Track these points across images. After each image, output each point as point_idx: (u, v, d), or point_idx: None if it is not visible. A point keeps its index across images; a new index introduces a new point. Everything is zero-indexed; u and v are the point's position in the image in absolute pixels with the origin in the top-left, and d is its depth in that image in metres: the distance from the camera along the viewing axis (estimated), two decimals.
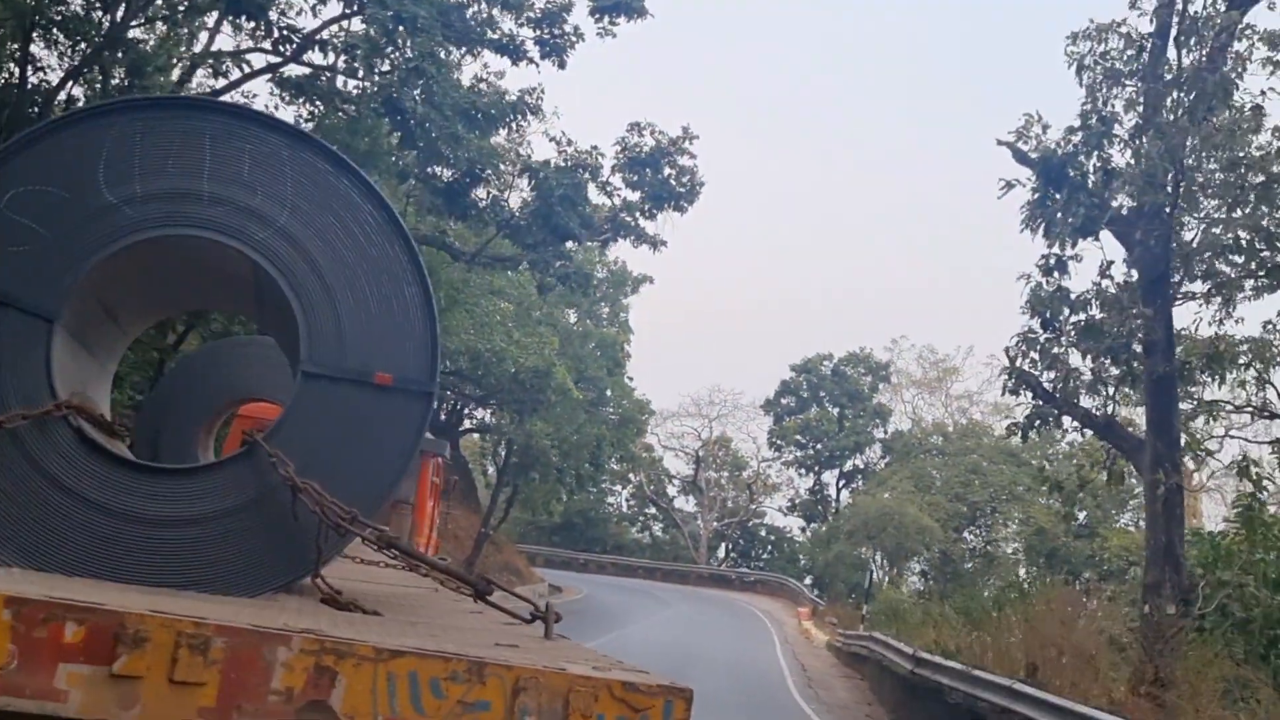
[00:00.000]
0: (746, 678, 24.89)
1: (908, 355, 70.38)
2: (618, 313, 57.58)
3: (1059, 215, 18.68)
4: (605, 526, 78.55)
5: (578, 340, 48.42)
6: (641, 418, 51.65)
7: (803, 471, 68.18)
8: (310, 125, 19.91)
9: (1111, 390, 19.13)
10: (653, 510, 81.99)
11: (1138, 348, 18.41)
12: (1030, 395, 19.82)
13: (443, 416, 49.15)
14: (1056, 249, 19.61)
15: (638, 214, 23.61)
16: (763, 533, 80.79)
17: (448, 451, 19.75)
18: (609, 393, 48.32)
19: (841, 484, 67.74)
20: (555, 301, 45.91)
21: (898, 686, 20.24)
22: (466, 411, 52.14)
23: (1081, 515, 60.27)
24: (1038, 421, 19.55)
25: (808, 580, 69.67)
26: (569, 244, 23.57)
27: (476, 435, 56.76)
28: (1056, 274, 19.83)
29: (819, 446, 66.20)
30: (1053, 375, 19.33)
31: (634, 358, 55.26)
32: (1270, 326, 18.96)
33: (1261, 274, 17.75)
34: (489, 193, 21.12)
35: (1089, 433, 20.84)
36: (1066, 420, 19.98)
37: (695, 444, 77.34)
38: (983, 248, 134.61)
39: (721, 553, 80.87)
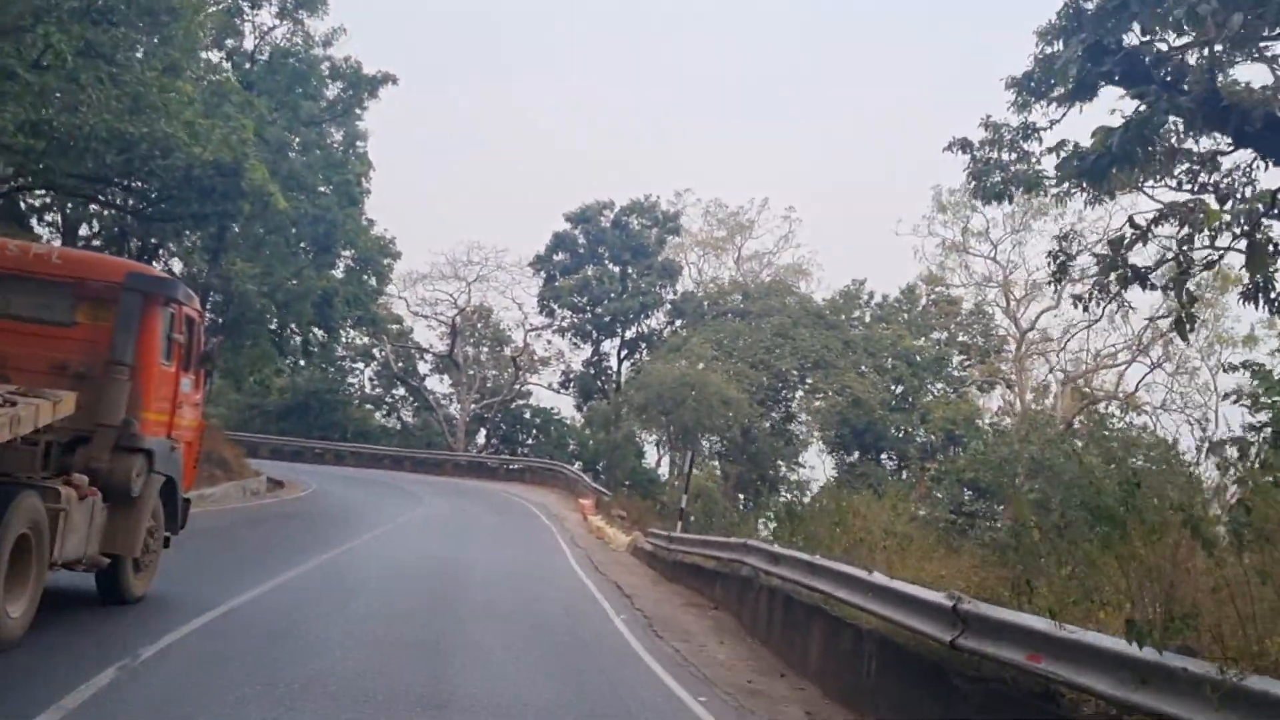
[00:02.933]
0: (555, 628, 14.83)
1: (693, 211, 61.19)
2: (353, 140, 45.45)
3: None
4: (345, 410, 66.99)
5: (298, 164, 36.39)
6: (384, 262, 40.17)
7: (578, 341, 58.24)
8: None
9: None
10: (402, 391, 70.76)
11: None
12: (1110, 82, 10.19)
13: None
14: None
15: None
16: (528, 415, 71.09)
17: (182, 294, 12.53)
18: (341, 227, 36.71)
19: (624, 355, 58.25)
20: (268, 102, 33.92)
21: (887, 661, 10.50)
22: (159, 258, 39.54)
23: (898, 388, 53.16)
24: (1143, 136, 9.94)
25: (577, 466, 60.73)
26: None
27: None
28: None
29: (598, 310, 56.28)
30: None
31: (375, 200, 43.67)
32: None
33: None
34: None
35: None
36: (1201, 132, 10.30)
37: (451, 312, 66.20)
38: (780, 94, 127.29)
39: (482, 438, 70.74)
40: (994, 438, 41.74)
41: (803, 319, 51.45)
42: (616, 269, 55.48)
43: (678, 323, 56.96)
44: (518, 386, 69.29)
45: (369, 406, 70.77)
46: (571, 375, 60.35)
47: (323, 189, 38.06)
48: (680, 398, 44.32)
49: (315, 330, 43.53)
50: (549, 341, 65.94)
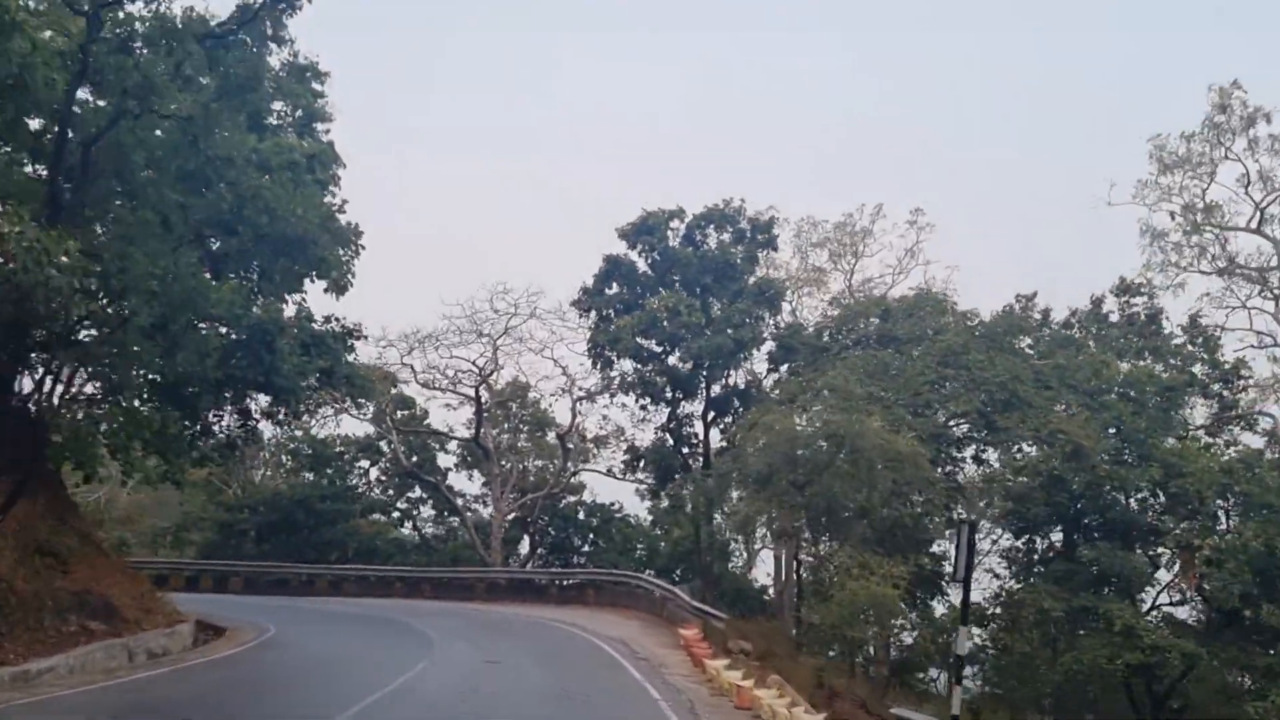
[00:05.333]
0: None
1: (780, 236, 45.42)
2: (310, 121, 30.64)
3: None
4: (345, 523, 51.23)
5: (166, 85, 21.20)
6: (341, 258, 24.36)
7: (647, 403, 42.21)
8: None
9: None
10: (418, 493, 55.02)
11: None
12: None
13: None
14: None
15: None
16: (581, 514, 55.16)
17: None
18: (285, 206, 21.52)
19: (711, 418, 41.95)
20: None
21: None
22: None
23: (1110, 431, 36.70)
24: None
25: (649, 573, 44.96)
26: None
27: None
28: None
29: (673, 357, 40.37)
30: None
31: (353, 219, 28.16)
32: None
33: None
34: None
35: None
36: None
37: (474, 382, 50.55)
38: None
39: (525, 548, 54.71)
40: None
41: (971, 343, 35.60)
42: (695, 300, 39.81)
43: (783, 368, 41.02)
44: (567, 478, 53.46)
45: (377, 517, 55.02)
46: (641, 452, 44.15)
47: (263, 179, 22.91)
48: (823, 460, 28.47)
49: (251, 394, 28.29)
50: (604, 415, 50.16)
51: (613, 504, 55.02)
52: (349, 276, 23.79)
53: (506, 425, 56.38)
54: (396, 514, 55.39)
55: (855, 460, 27.81)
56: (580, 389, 48.12)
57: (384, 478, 55.28)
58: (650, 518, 57.73)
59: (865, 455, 27.88)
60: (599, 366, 41.84)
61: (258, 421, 29.12)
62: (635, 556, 54.41)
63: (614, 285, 41.94)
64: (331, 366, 29.62)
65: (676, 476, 42.72)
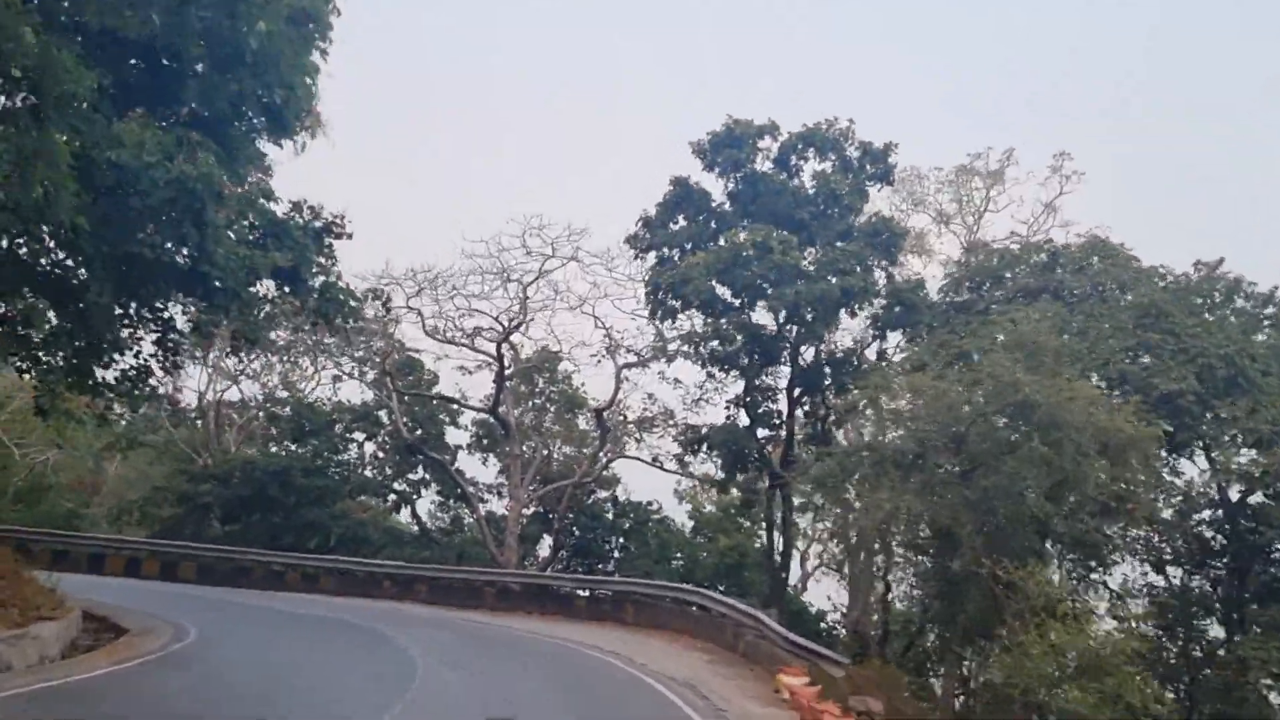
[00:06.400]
0: None
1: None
2: None
3: None
4: (332, 504, 42.30)
5: None
6: (284, 47, 14.97)
7: (715, 370, 32.77)
8: None
9: None
10: (420, 474, 45.95)
11: None
12: None
13: None
14: None
15: None
16: (611, 514, 46.26)
17: None
18: None
19: (799, 396, 32.35)
20: None
21: None
22: None
23: None
24: None
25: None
26: None
27: None
28: None
29: (756, 310, 31.03)
30: None
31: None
32: None
33: None
34: None
35: None
36: None
37: (495, 336, 41.21)
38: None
39: (546, 548, 45.65)
40: None
41: (1165, 305, 26.42)
42: (789, 234, 30.50)
43: (894, 334, 31.85)
44: (601, 466, 44.40)
45: (369, 499, 46.07)
46: (703, 433, 34.75)
47: None
48: (1002, 439, 19.27)
49: (175, 295, 19.43)
50: (649, 395, 41.20)
51: (649, 503, 46.37)
52: (311, 97, 14.54)
53: (531, 403, 47.45)
54: (394, 497, 46.34)
55: (1058, 442, 18.58)
56: (629, 352, 38.94)
57: (381, 454, 46.27)
58: (691, 523, 49.01)
59: (1070, 436, 18.66)
60: (658, 318, 32.51)
61: (183, 335, 20.12)
62: (673, 567, 45.49)
63: (681, 219, 32.73)
64: (296, 266, 20.52)
65: (746, 468, 33.41)
